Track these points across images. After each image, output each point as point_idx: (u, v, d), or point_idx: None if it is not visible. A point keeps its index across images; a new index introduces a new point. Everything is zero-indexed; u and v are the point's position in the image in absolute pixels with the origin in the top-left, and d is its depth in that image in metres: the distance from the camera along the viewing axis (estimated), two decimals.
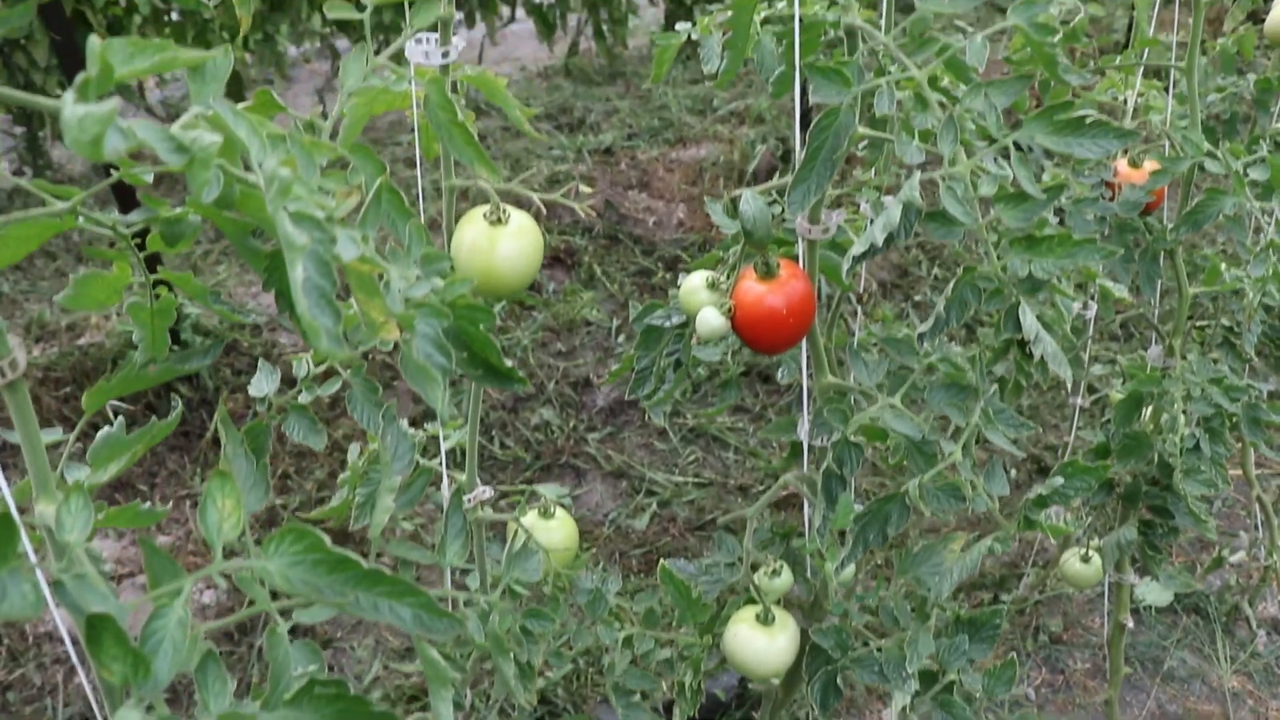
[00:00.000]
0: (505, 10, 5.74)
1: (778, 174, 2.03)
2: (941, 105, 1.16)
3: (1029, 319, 1.24)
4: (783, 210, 1.42)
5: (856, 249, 1.15)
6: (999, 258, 1.22)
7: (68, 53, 3.46)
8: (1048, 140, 1.19)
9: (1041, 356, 1.25)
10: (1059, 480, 1.40)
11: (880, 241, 1.14)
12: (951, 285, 1.24)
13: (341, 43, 5.74)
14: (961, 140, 1.16)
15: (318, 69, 6.43)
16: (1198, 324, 2.46)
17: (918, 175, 1.15)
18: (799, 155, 1.17)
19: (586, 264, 4.22)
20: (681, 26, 1.74)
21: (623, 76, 6.21)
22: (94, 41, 0.72)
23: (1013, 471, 3.22)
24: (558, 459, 3.48)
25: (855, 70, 1.17)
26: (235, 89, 4.95)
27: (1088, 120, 1.20)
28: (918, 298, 4.12)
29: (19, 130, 4.70)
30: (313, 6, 4.72)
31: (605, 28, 6.04)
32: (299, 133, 1.02)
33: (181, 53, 0.86)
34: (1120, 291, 1.97)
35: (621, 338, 3.94)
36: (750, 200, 1.34)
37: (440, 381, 0.85)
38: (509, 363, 0.97)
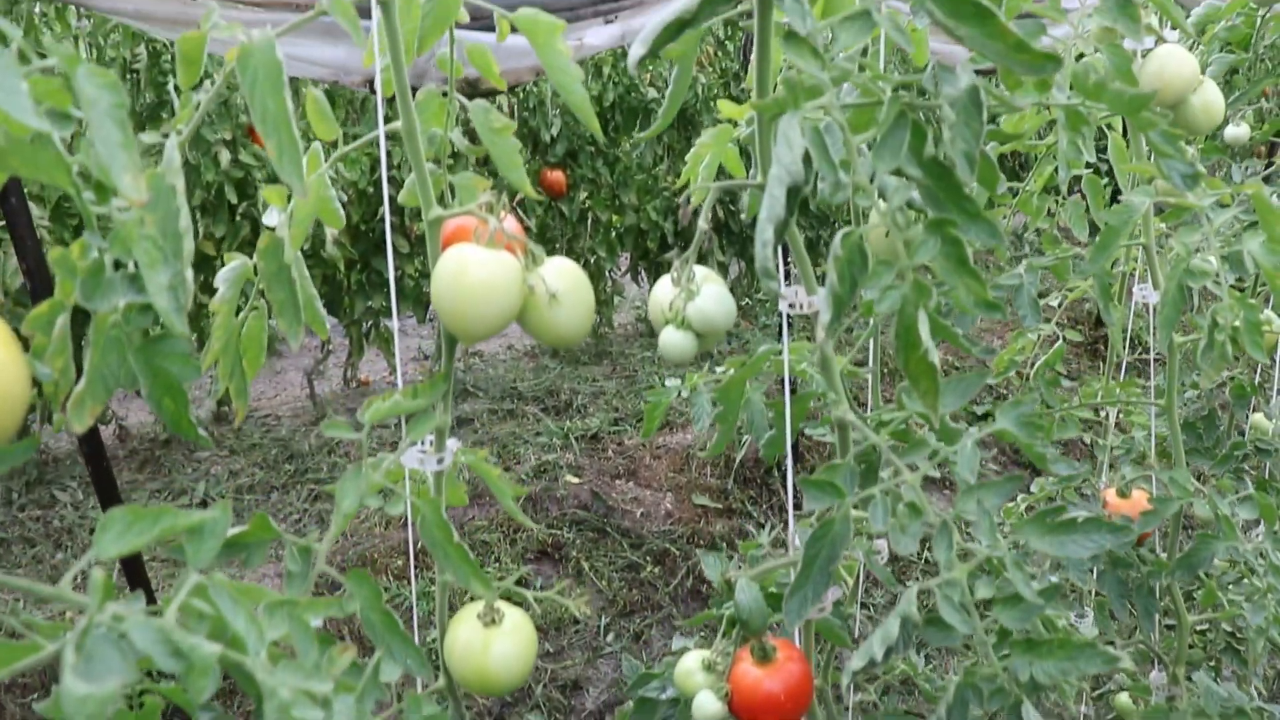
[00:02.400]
0: None
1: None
2: (936, 514, 1.17)
3: (1032, 714, 1.22)
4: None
5: (855, 662, 1.14)
6: (1001, 659, 1.20)
7: None
8: (1041, 543, 1.19)
9: None
10: None
11: (880, 656, 1.12)
12: (952, 688, 1.21)
13: (336, 336, 5.85)
14: (958, 548, 1.16)
15: (309, 344, 6.53)
16: (1198, 628, 2.43)
17: (914, 589, 1.14)
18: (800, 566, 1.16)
19: (574, 559, 4.18)
20: (671, 383, 1.78)
21: (609, 356, 6.33)
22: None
23: None
24: None
25: (848, 477, 1.18)
26: None
27: (1079, 520, 1.20)
28: None
29: None
30: None
31: None
32: (295, 585, 1.02)
33: (180, 519, 0.86)
34: None
35: (610, 636, 3.87)
36: (746, 589, 1.33)
37: None
38: None
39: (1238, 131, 2.78)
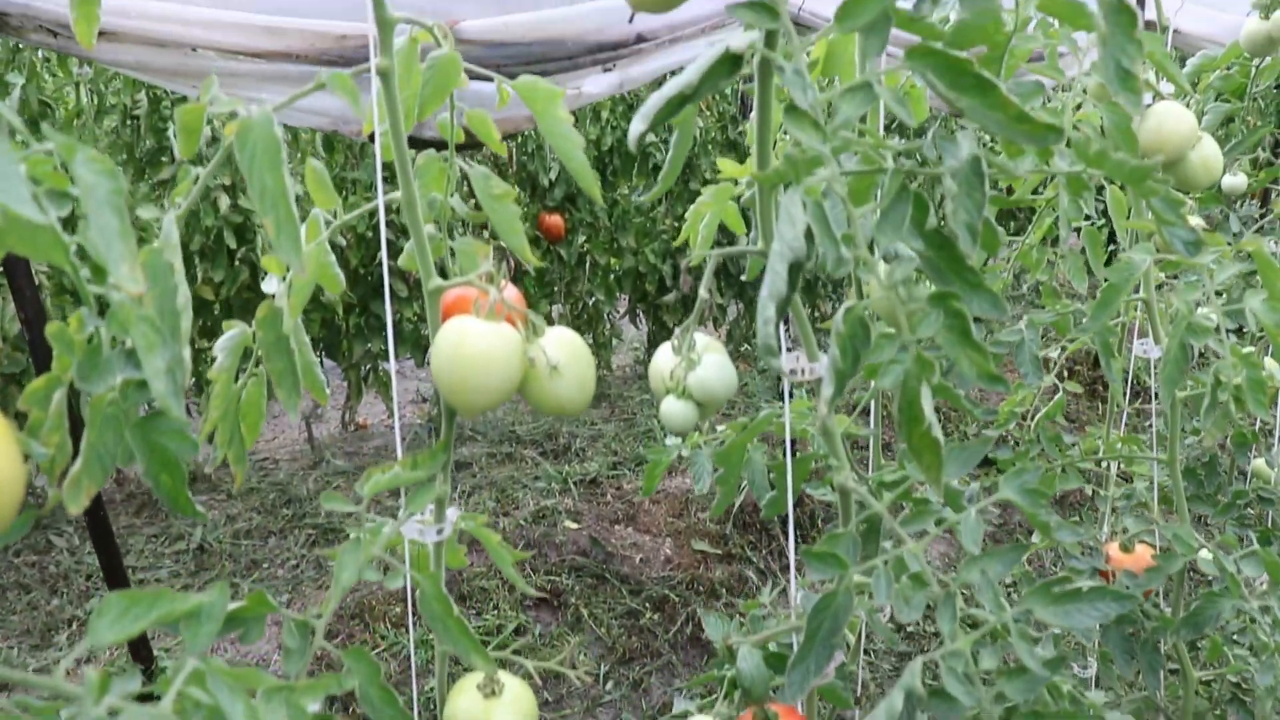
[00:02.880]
0: None
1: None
2: (941, 583, 1.16)
3: None
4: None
5: None
6: None
7: None
8: (1046, 613, 1.18)
9: None
10: None
11: None
12: None
13: (334, 378, 5.84)
14: (960, 616, 1.15)
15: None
16: (1204, 679, 2.41)
17: (918, 661, 1.13)
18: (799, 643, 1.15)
19: (573, 605, 4.15)
20: (672, 442, 1.77)
21: (607, 399, 6.32)
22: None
23: None
24: None
25: (850, 548, 1.17)
26: None
27: (1084, 590, 1.19)
28: None
29: None
30: None
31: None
32: (293, 661, 1.00)
33: (177, 603, 0.85)
34: None
35: (610, 684, 3.83)
36: (748, 656, 1.32)
37: None
38: None
39: (1235, 181, 2.78)
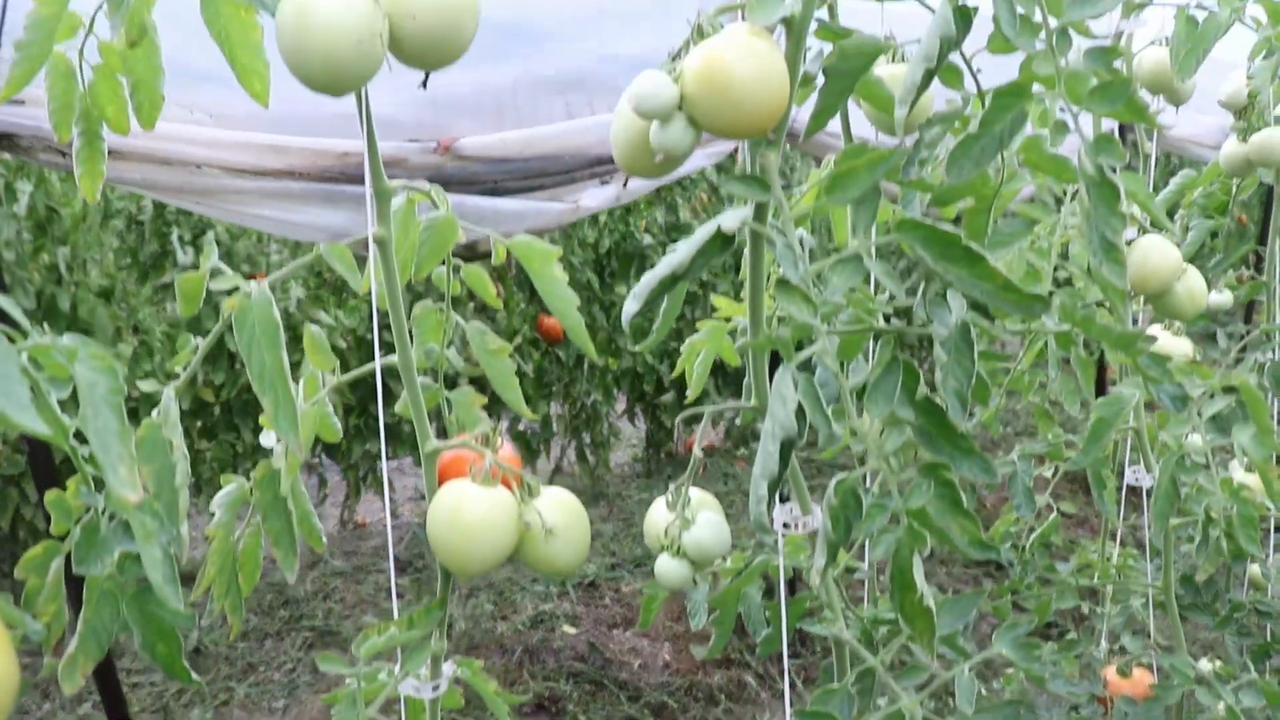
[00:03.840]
0: None
1: None
2: None
3: None
4: None
5: None
6: None
7: None
8: None
9: None
10: None
11: None
12: None
13: (334, 475, 5.84)
14: None
15: (306, 483, 6.51)
16: None
17: None
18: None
19: (571, 713, 4.11)
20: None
21: (605, 498, 6.30)
22: None
23: None
24: None
25: (844, 706, 1.17)
26: None
27: None
28: None
29: None
30: None
31: (588, 451, 6.20)
32: None
33: None
34: None
35: None
36: None
37: None
38: None
39: (1221, 298, 2.81)
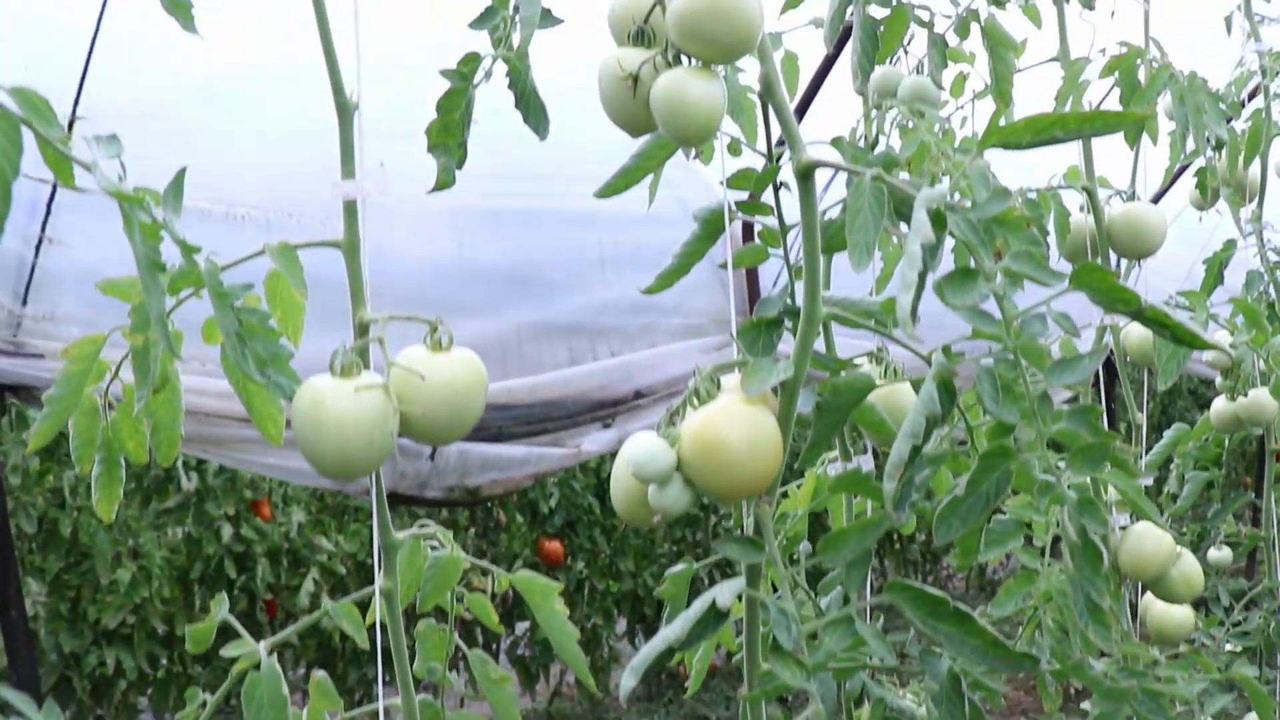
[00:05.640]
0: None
1: None
2: None
3: None
4: None
5: None
6: None
7: None
8: None
9: None
10: None
11: None
12: None
13: None
14: None
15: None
16: None
17: None
18: None
19: None
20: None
21: None
22: None
23: None
24: None
25: None
26: None
27: None
28: None
29: None
30: None
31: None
32: None
33: None
34: None
35: None
36: None
37: None
38: None
39: (1220, 555, 2.83)
